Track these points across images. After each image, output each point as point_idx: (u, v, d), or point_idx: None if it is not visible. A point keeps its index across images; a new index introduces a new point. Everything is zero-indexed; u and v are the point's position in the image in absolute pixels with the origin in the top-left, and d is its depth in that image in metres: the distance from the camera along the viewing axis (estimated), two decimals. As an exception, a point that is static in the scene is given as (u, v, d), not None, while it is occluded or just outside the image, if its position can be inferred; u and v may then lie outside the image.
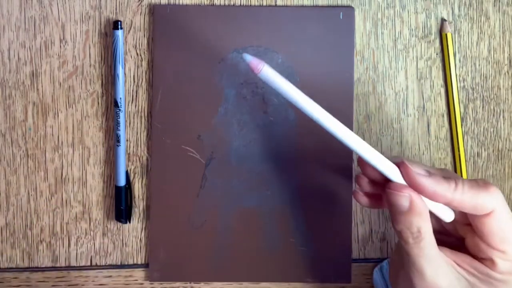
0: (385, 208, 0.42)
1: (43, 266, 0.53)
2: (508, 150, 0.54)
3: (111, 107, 0.52)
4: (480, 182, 0.38)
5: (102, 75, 0.52)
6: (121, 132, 0.51)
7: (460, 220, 0.41)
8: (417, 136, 0.53)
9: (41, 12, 0.51)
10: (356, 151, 0.39)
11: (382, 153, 0.53)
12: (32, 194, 0.52)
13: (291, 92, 0.37)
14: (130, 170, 0.52)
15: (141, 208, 0.53)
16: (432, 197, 0.37)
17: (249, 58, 0.37)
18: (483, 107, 0.54)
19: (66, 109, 0.52)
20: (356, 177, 0.43)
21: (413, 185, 0.38)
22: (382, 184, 0.40)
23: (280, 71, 0.51)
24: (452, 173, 0.41)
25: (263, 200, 0.52)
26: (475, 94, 0.54)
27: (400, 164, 0.38)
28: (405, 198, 0.37)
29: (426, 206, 0.38)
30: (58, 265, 0.53)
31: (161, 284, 0.53)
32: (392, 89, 0.53)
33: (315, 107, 0.38)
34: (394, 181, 0.38)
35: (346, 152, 0.52)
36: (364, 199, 0.42)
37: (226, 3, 0.52)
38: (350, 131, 0.40)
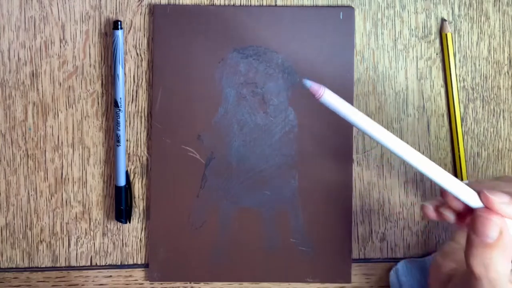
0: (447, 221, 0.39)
1: (43, 266, 0.53)
2: (508, 150, 0.54)
3: (111, 107, 0.52)
4: None
5: (102, 75, 0.52)
6: (121, 132, 0.51)
7: None
8: (417, 136, 0.53)
9: (41, 12, 0.51)
10: (434, 181, 0.37)
11: (382, 153, 0.53)
12: (32, 194, 0.52)
13: (353, 116, 0.36)
14: (130, 170, 0.52)
15: (141, 208, 0.53)
16: None
17: (309, 84, 0.36)
18: (483, 107, 0.54)
19: (66, 109, 0.52)
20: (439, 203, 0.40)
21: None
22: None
23: (280, 71, 0.52)
24: None
25: (263, 200, 0.52)
26: (475, 94, 0.54)
27: (480, 194, 0.36)
28: (495, 227, 0.34)
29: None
30: (58, 265, 0.53)
31: (161, 284, 0.53)
32: (392, 89, 0.53)
33: (383, 132, 0.36)
34: (484, 208, 0.36)
35: (346, 152, 0.52)
36: (433, 214, 0.39)
37: (226, 3, 0.52)
38: (426, 158, 0.38)
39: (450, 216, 0.38)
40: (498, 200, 0.35)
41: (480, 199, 0.36)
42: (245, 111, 0.52)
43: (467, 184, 0.37)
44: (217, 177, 0.52)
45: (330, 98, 0.36)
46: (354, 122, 0.36)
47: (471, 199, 0.36)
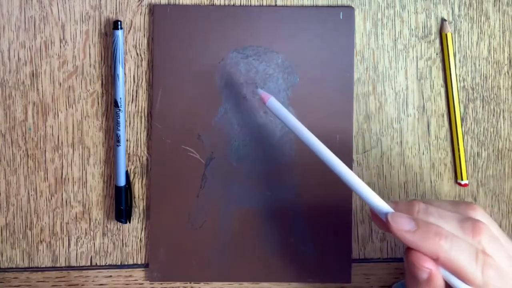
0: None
1: (43, 266, 0.53)
2: (508, 150, 0.54)
3: (111, 107, 0.52)
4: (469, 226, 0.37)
5: (102, 75, 0.52)
6: (121, 132, 0.51)
7: None
8: (417, 136, 0.53)
9: (41, 12, 0.51)
10: (353, 189, 0.40)
11: (382, 153, 0.53)
12: (32, 194, 0.52)
13: (293, 123, 0.42)
14: (130, 170, 0.52)
15: (141, 208, 0.53)
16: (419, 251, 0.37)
17: (260, 92, 0.45)
18: (483, 107, 0.54)
19: (66, 109, 0.52)
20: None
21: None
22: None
23: (280, 71, 0.52)
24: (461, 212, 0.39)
25: (263, 200, 0.52)
26: (475, 94, 0.54)
27: (386, 219, 0.38)
28: (424, 272, 0.36)
29: (443, 281, 0.37)
30: (58, 265, 0.53)
31: (161, 284, 0.53)
32: (392, 89, 0.53)
33: (315, 141, 0.42)
34: (414, 251, 0.37)
35: (346, 152, 0.52)
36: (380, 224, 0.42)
37: (226, 3, 0.52)
38: (347, 167, 0.41)
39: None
40: (400, 227, 0.37)
41: (386, 221, 0.38)
42: (245, 111, 0.52)
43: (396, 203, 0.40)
44: (217, 177, 0.52)
45: (273, 105, 0.44)
46: (290, 127, 0.43)
47: (382, 213, 0.39)
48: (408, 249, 0.37)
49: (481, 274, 0.36)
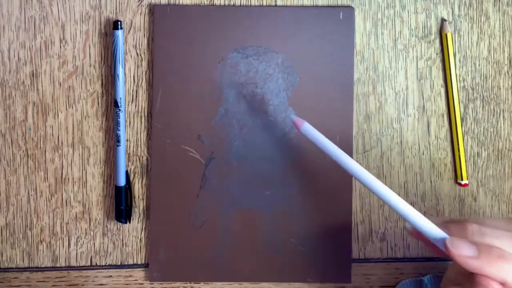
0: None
1: (43, 266, 0.53)
2: (508, 150, 0.54)
3: (111, 107, 0.52)
4: None
5: (102, 75, 0.52)
6: (121, 132, 0.51)
7: None
8: (417, 136, 0.53)
9: (41, 12, 0.51)
10: (404, 216, 0.39)
11: (382, 153, 0.53)
12: (32, 194, 0.52)
13: (330, 148, 0.42)
14: (130, 170, 0.52)
15: (141, 208, 0.53)
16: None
17: (293, 117, 0.44)
18: (483, 107, 0.54)
19: (66, 109, 0.52)
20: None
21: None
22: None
23: (280, 71, 0.52)
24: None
25: (263, 200, 0.52)
26: (475, 94, 0.54)
27: (445, 246, 0.37)
28: None
29: None
30: (58, 265, 0.53)
31: (161, 284, 0.53)
32: (392, 89, 0.53)
33: (354, 164, 0.41)
34: (483, 277, 0.36)
35: (346, 152, 0.52)
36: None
37: (226, 3, 0.52)
38: (393, 192, 0.40)
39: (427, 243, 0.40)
40: (461, 253, 0.36)
41: (445, 249, 0.37)
42: (245, 111, 0.52)
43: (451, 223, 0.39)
44: (217, 177, 0.52)
45: (308, 130, 0.43)
46: (328, 152, 0.42)
47: (438, 240, 0.38)
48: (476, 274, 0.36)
49: None
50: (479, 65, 0.53)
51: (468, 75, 0.53)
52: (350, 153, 0.52)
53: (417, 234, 0.39)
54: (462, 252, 0.36)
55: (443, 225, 0.39)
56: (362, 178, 0.40)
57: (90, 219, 0.53)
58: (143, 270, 0.53)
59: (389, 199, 0.39)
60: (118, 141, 0.51)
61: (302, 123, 0.43)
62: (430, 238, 0.38)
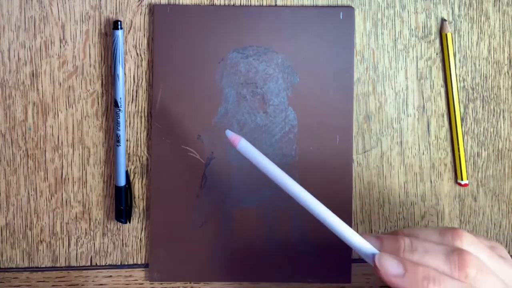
0: None
1: (43, 266, 0.53)
2: (508, 150, 0.54)
3: (111, 107, 0.52)
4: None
5: (102, 75, 0.52)
6: (121, 132, 0.51)
7: None
8: (417, 136, 0.53)
9: (41, 12, 0.51)
10: (333, 230, 0.39)
11: (382, 153, 0.53)
12: (32, 194, 0.52)
13: (267, 166, 0.39)
14: (130, 170, 0.52)
15: (141, 208, 0.53)
16: None
17: (229, 134, 0.40)
18: (483, 107, 0.54)
19: (66, 109, 0.52)
20: None
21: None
22: None
23: (280, 71, 0.52)
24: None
25: (263, 200, 0.52)
26: (475, 94, 0.54)
27: (373, 263, 0.37)
28: None
29: None
30: (58, 265, 0.53)
31: (161, 284, 0.53)
32: (392, 89, 0.53)
33: (292, 183, 0.39)
34: None
35: (346, 152, 0.52)
36: None
37: (226, 3, 0.52)
38: (325, 207, 0.40)
39: None
40: (388, 272, 0.36)
41: (372, 264, 0.37)
42: (245, 111, 0.52)
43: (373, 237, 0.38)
44: (217, 177, 0.52)
45: (244, 147, 0.40)
46: (263, 170, 0.39)
47: (368, 256, 0.37)
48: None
49: None
50: (479, 65, 0.53)
51: (468, 75, 0.53)
52: (350, 153, 0.52)
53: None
54: (389, 270, 0.36)
55: (376, 237, 0.38)
56: (298, 196, 0.39)
57: (90, 219, 0.53)
58: (143, 270, 0.53)
59: (323, 216, 0.39)
60: (118, 141, 0.51)
61: (239, 139, 0.40)
62: (360, 253, 0.38)
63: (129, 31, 0.52)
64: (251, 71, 0.52)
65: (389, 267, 0.36)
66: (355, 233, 0.38)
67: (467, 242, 0.37)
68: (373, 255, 0.37)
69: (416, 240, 0.37)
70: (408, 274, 0.35)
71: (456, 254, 0.36)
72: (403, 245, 0.37)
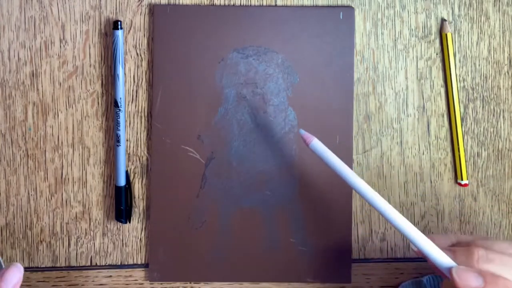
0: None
1: (43, 266, 0.53)
2: (508, 150, 0.54)
3: (111, 107, 0.52)
4: None
5: (102, 75, 0.52)
6: (121, 132, 0.51)
7: None
8: (417, 136, 0.53)
9: (41, 12, 0.51)
10: (407, 236, 0.39)
11: (382, 153, 0.53)
12: (32, 194, 0.52)
13: (338, 165, 0.41)
14: (130, 170, 0.52)
15: (141, 208, 0.53)
16: None
17: (302, 132, 0.44)
18: (483, 107, 0.54)
19: (66, 109, 0.52)
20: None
21: None
22: None
23: (280, 71, 0.52)
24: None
25: (263, 200, 0.52)
26: (475, 94, 0.54)
27: (451, 273, 0.37)
28: None
29: None
30: (58, 265, 0.53)
31: (161, 284, 0.53)
32: (392, 89, 0.53)
33: (362, 183, 0.41)
34: None
35: (346, 152, 0.52)
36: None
37: (226, 3, 0.52)
38: (401, 215, 0.39)
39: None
40: (468, 284, 0.36)
41: (451, 278, 0.37)
42: (245, 111, 0.52)
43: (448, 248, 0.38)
44: (217, 177, 0.52)
45: (317, 146, 0.43)
46: (335, 169, 0.42)
47: (444, 268, 0.38)
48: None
49: None
50: (479, 65, 0.53)
51: (468, 75, 0.53)
52: (350, 153, 0.52)
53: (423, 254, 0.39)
54: (468, 283, 0.36)
55: (448, 249, 0.38)
56: (369, 197, 0.40)
57: (90, 219, 0.53)
58: (143, 270, 0.53)
59: (395, 221, 0.39)
60: (118, 141, 0.51)
61: (312, 139, 0.43)
62: (436, 264, 0.38)
63: (129, 31, 0.52)
64: (251, 71, 0.52)
65: (469, 279, 0.36)
66: (429, 241, 0.38)
67: None
68: (449, 268, 0.37)
69: (491, 252, 0.37)
70: (488, 286, 0.35)
71: None
72: (477, 256, 0.37)
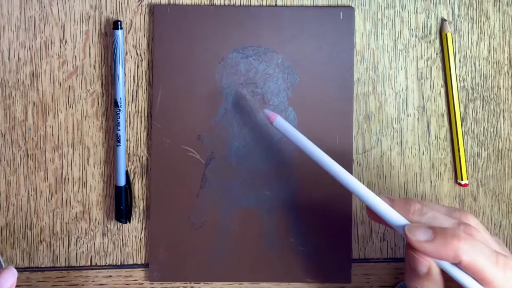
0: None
1: (43, 266, 0.53)
2: (508, 150, 0.54)
3: (111, 107, 0.52)
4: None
5: (102, 75, 0.52)
6: (121, 132, 0.51)
7: None
8: (417, 136, 0.53)
9: (41, 12, 0.51)
10: (363, 199, 0.41)
11: (382, 153, 0.53)
12: (32, 194, 0.52)
13: (301, 140, 0.44)
14: (130, 170, 0.52)
15: (141, 208, 0.53)
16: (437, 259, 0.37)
17: (266, 111, 0.47)
18: (483, 107, 0.54)
19: (66, 109, 0.52)
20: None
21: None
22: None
23: (280, 71, 0.52)
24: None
25: (263, 200, 0.52)
26: (475, 94, 0.54)
27: (404, 229, 0.38)
28: (424, 265, 0.37)
29: (441, 274, 0.37)
30: (58, 265, 0.53)
31: (161, 284, 0.53)
32: (392, 89, 0.53)
33: (322, 154, 0.44)
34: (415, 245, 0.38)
35: (346, 152, 0.52)
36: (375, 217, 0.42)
37: (226, 3, 0.52)
38: (355, 179, 0.42)
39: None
40: (418, 239, 0.37)
41: (403, 234, 0.38)
42: (245, 111, 0.52)
43: (400, 204, 0.40)
44: (217, 177, 0.52)
45: (280, 123, 0.46)
46: (300, 145, 0.45)
47: (398, 226, 0.39)
48: (409, 245, 0.37)
49: (503, 275, 0.36)
50: (479, 65, 0.53)
51: (468, 75, 0.53)
52: (350, 153, 0.52)
53: (373, 215, 0.41)
54: (419, 237, 0.37)
55: (388, 197, 0.40)
56: (327, 166, 0.43)
57: (90, 219, 0.53)
58: (143, 270, 0.53)
59: (352, 185, 0.41)
60: (118, 141, 0.51)
61: (275, 116, 0.46)
62: (391, 224, 0.40)
63: (129, 31, 0.52)
64: (251, 71, 0.52)
65: (419, 234, 0.37)
66: (382, 201, 0.40)
67: (475, 222, 0.39)
68: (403, 226, 0.39)
69: (426, 207, 0.39)
70: (438, 237, 0.36)
71: (462, 226, 0.37)
72: (413, 208, 0.39)
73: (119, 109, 0.50)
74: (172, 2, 0.52)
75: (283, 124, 0.45)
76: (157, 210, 0.52)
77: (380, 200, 0.40)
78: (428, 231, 0.37)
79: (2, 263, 0.41)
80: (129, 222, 0.52)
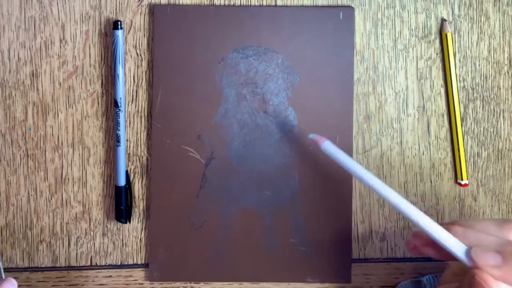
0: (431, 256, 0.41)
1: (43, 266, 0.53)
2: (508, 150, 0.54)
3: (111, 107, 0.52)
4: None
5: (102, 75, 0.52)
6: (121, 132, 0.51)
7: None
8: (417, 136, 0.53)
9: (41, 12, 0.51)
10: (424, 230, 0.39)
11: (382, 153, 0.53)
12: (32, 194, 0.52)
13: (349, 165, 0.43)
14: (130, 170, 0.52)
15: (141, 208, 0.53)
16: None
17: (312, 136, 0.46)
18: (483, 107, 0.54)
19: (66, 109, 0.52)
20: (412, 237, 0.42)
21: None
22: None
23: (280, 71, 0.52)
24: None
25: (263, 200, 0.52)
26: (475, 94, 0.54)
27: (469, 255, 0.37)
28: None
29: None
30: (58, 265, 0.53)
31: (161, 284, 0.53)
32: (392, 89, 0.53)
33: (375, 180, 0.41)
34: (485, 273, 0.37)
35: (346, 152, 0.52)
36: (415, 252, 0.42)
37: (226, 3, 0.52)
38: (416, 208, 0.40)
39: (433, 254, 0.41)
40: (488, 263, 0.36)
41: (469, 260, 0.37)
42: (245, 111, 0.52)
43: (456, 231, 0.39)
44: (217, 177, 0.52)
45: (328, 148, 0.45)
46: (349, 170, 0.43)
47: (460, 251, 0.38)
48: (477, 269, 0.37)
49: None
50: (479, 65, 0.53)
51: (468, 75, 0.53)
52: (350, 153, 0.52)
53: (415, 250, 0.40)
54: (487, 262, 0.36)
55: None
56: (384, 194, 0.40)
57: (90, 219, 0.53)
58: (143, 270, 0.53)
59: (412, 215, 0.39)
60: (118, 141, 0.51)
61: (323, 141, 0.45)
62: (448, 249, 0.38)
63: (129, 31, 0.52)
64: (251, 71, 0.52)
65: (487, 258, 0.36)
66: (442, 229, 0.39)
67: None
68: (468, 250, 0.37)
69: (469, 229, 0.38)
70: (507, 263, 0.36)
71: (506, 245, 0.37)
72: (454, 232, 0.38)
73: (119, 109, 0.50)
74: (172, 2, 0.52)
75: (332, 149, 0.45)
76: (157, 210, 0.52)
77: (438, 226, 0.39)
78: (497, 256, 0.36)
79: (3, 275, 0.41)
80: (129, 222, 0.52)
